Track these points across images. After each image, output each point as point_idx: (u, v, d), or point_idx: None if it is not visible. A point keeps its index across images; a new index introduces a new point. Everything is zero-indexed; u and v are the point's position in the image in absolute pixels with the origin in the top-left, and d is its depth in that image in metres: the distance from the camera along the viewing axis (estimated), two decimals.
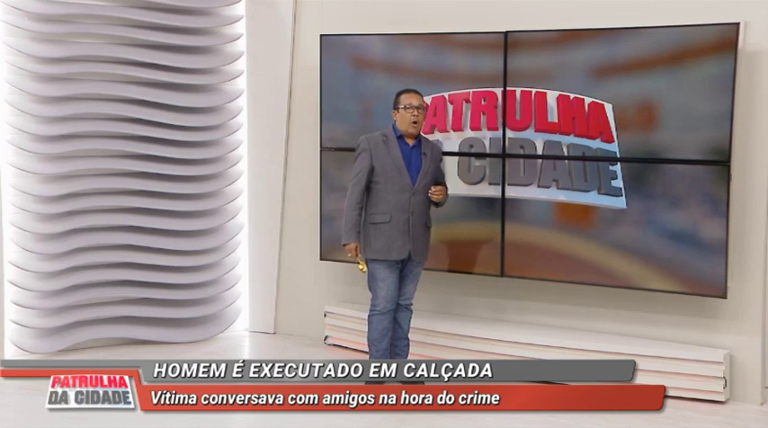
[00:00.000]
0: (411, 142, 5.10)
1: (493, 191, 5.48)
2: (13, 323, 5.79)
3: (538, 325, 5.61)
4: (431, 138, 5.49)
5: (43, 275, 5.84)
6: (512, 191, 5.43)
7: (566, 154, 5.25)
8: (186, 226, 6.23)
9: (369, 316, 5.17)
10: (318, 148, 6.06)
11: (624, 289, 5.23)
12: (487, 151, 5.48)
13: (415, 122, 5.04)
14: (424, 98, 5.19)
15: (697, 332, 5.18)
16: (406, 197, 5.05)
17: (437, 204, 5.17)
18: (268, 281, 6.55)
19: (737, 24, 4.78)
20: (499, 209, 5.47)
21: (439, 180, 5.19)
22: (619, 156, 5.11)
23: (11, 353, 5.78)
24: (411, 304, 5.29)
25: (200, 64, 6.21)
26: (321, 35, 5.97)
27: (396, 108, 5.12)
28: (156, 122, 6.08)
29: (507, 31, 5.39)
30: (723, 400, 5.00)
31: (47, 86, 5.79)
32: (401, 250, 5.06)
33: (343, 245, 5.13)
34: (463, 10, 5.70)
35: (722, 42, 4.79)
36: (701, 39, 4.85)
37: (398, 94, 5.14)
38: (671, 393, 5.06)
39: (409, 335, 5.32)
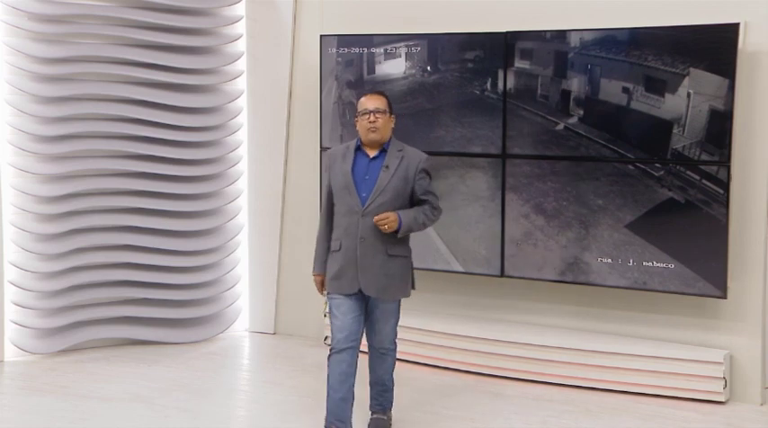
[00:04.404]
0: (372, 153, 4.33)
1: (492, 191, 5.48)
2: (13, 323, 5.79)
3: (537, 326, 5.61)
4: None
5: (43, 275, 5.85)
6: (512, 191, 5.43)
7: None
8: (186, 226, 6.23)
9: (327, 356, 4.36)
10: (318, 148, 6.06)
11: (624, 289, 5.23)
12: None
13: (372, 128, 4.28)
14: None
15: (697, 332, 5.18)
16: (354, 220, 4.25)
17: (396, 232, 4.23)
18: (268, 281, 6.55)
19: (737, 24, 4.79)
20: (499, 208, 5.47)
21: (422, 198, 4.33)
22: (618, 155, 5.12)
23: (11, 353, 5.78)
24: (388, 349, 4.47)
25: (200, 64, 6.21)
26: (321, 35, 5.98)
27: (355, 115, 4.41)
28: (156, 123, 6.08)
29: (507, 32, 5.39)
30: (723, 400, 5.00)
31: (47, 87, 5.80)
32: (351, 283, 4.26)
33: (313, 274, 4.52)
34: (463, 10, 5.70)
35: (722, 42, 4.79)
36: (701, 39, 4.84)
37: (357, 99, 4.50)
38: (670, 393, 5.08)
39: (393, 381, 4.57)
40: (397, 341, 4.53)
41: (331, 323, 4.34)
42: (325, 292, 4.41)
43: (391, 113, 4.37)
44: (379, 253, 4.24)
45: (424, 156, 4.39)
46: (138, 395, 5.16)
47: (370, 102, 4.32)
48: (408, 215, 4.24)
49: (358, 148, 4.35)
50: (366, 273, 4.24)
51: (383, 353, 4.45)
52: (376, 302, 4.34)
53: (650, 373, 5.10)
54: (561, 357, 5.31)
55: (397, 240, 4.27)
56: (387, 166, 4.27)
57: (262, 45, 6.43)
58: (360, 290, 4.27)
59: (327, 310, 4.42)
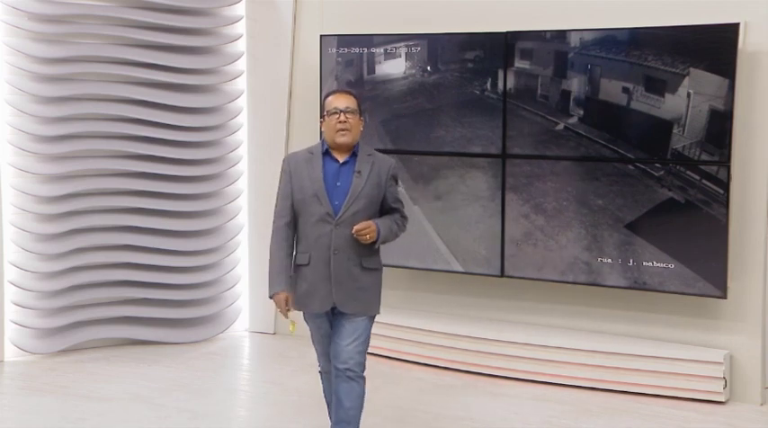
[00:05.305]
0: (342, 157, 3.91)
1: (492, 191, 5.48)
2: (13, 323, 5.79)
3: (537, 326, 5.61)
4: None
5: (43, 275, 5.85)
6: (512, 191, 5.43)
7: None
8: (186, 226, 6.23)
9: (318, 372, 4.24)
10: None
11: (624, 289, 5.22)
12: None
13: (342, 130, 3.86)
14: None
15: (697, 332, 5.18)
16: (326, 230, 3.83)
17: (373, 243, 3.88)
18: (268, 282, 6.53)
19: (737, 24, 4.79)
20: (499, 208, 5.47)
21: (393, 206, 3.99)
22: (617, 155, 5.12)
23: (11, 353, 5.78)
24: (356, 372, 3.89)
25: (200, 64, 6.21)
26: (321, 35, 5.98)
27: (321, 116, 3.99)
28: (157, 123, 6.08)
29: (507, 32, 5.39)
30: (723, 400, 5.00)
31: (47, 87, 5.80)
32: (324, 300, 3.88)
33: (270, 297, 4.00)
34: (463, 10, 5.70)
35: (722, 42, 4.79)
36: (701, 39, 4.84)
37: (324, 98, 4.03)
38: (670, 393, 5.08)
39: (360, 420, 3.96)
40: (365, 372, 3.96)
41: (313, 343, 4.13)
42: (290, 313, 3.95)
43: (361, 115, 3.97)
44: (354, 266, 3.87)
45: (393, 161, 4.04)
46: (138, 395, 5.16)
47: (339, 101, 3.91)
48: (385, 224, 3.90)
49: (326, 153, 3.93)
50: (341, 289, 3.86)
51: (350, 377, 3.88)
52: (342, 319, 3.92)
53: (650, 373, 5.10)
54: (561, 357, 5.31)
55: (371, 252, 3.92)
56: (359, 172, 3.88)
57: (262, 45, 6.43)
58: (329, 309, 3.91)
59: (293, 331, 4.05)
